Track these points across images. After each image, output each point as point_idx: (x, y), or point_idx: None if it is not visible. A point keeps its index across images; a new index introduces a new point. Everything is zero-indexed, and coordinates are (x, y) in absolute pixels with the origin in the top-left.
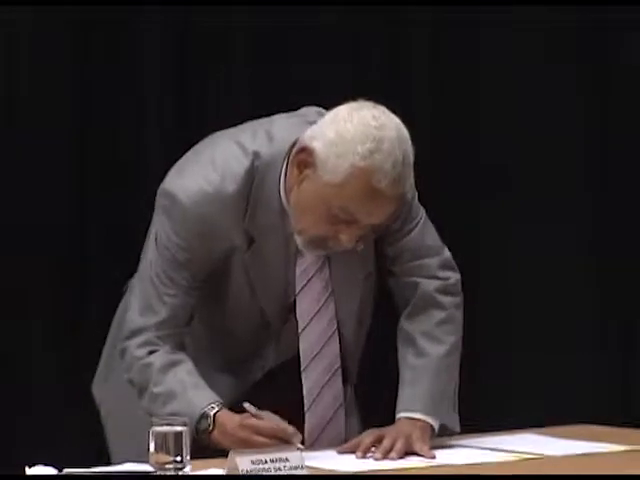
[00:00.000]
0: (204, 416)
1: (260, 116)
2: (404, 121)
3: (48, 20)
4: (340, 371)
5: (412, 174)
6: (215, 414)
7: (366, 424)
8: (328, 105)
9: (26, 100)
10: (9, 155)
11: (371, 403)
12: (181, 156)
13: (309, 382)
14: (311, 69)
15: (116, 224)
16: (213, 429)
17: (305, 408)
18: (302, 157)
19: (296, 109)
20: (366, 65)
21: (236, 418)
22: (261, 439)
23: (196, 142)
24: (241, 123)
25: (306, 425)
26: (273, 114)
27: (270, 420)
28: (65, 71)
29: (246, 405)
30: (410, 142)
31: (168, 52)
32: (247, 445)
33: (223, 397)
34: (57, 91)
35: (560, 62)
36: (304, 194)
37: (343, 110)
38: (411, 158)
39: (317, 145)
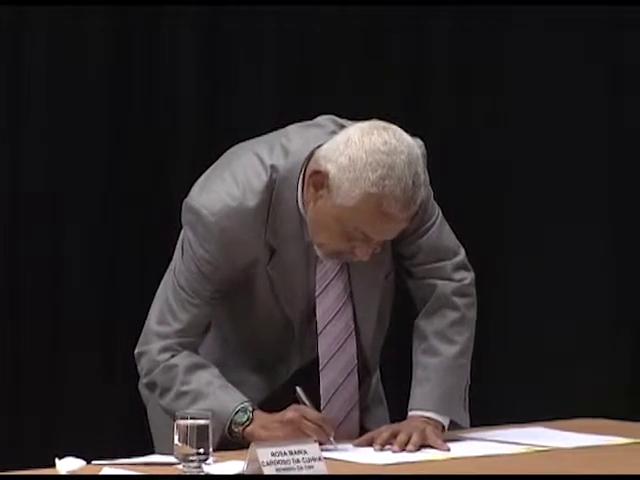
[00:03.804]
0: (242, 410)
1: (287, 116)
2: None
3: (83, 20)
4: (356, 371)
5: (424, 188)
6: (253, 409)
7: (394, 413)
8: (353, 107)
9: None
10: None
11: (399, 392)
12: (210, 153)
13: (326, 381)
14: (337, 71)
15: (146, 222)
16: (251, 422)
17: (321, 406)
18: (317, 179)
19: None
20: (390, 65)
21: (275, 414)
22: (310, 424)
23: (224, 140)
24: (268, 122)
25: None
26: (301, 114)
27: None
28: (102, 71)
29: (298, 389)
30: (421, 159)
31: (199, 52)
32: (295, 432)
33: (251, 399)
34: (94, 91)
35: (585, 62)
36: (320, 212)
37: (355, 134)
38: (422, 177)
39: (331, 169)
